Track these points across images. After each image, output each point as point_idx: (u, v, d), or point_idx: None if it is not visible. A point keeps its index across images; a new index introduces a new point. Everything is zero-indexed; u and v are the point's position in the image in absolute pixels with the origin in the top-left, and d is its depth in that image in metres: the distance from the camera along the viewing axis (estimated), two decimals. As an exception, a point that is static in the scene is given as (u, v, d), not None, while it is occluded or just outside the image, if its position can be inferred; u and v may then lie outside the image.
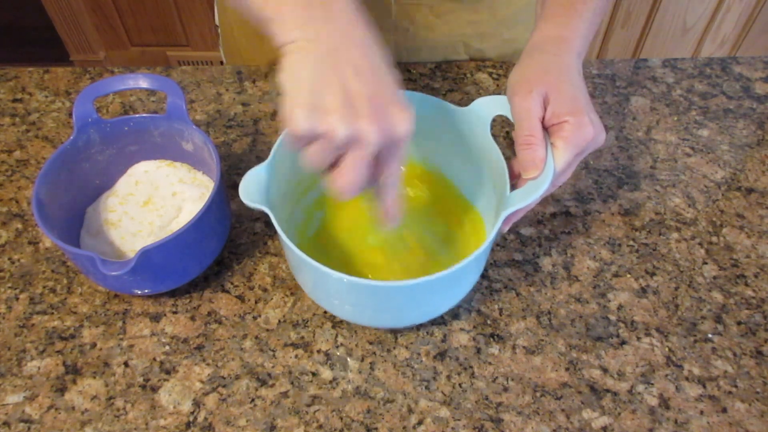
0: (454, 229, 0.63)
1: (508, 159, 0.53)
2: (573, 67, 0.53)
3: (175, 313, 0.59)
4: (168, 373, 0.55)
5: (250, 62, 0.84)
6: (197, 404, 0.53)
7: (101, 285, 0.59)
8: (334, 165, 0.43)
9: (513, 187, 0.52)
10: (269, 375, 0.55)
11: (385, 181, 0.45)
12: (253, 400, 0.54)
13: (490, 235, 0.49)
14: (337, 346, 0.57)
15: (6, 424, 0.52)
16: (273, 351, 0.56)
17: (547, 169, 0.50)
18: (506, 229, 0.54)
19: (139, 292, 0.57)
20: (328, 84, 0.40)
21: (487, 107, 0.56)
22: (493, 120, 0.55)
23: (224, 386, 0.54)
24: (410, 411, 0.53)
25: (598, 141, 0.51)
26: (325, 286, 0.52)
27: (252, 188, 0.49)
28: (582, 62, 0.54)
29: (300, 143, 0.41)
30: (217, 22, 0.89)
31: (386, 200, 0.47)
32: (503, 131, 0.74)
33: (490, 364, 0.56)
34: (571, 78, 0.52)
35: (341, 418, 0.53)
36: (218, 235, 0.60)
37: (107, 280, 0.55)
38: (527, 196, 0.50)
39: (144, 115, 0.61)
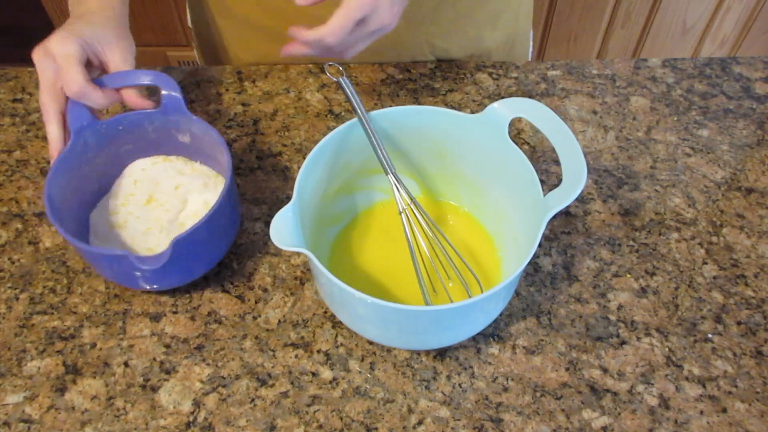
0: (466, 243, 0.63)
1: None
2: None
3: (175, 313, 0.59)
4: (168, 373, 0.55)
5: (228, 62, 0.83)
6: (197, 404, 0.53)
7: (126, 285, 0.59)
8: None
9: None
10: (269, 375, 0.55)
11: None
12: (253, 400, 0.54)
13: (535, 242, 0.47)
14: (337, 346, 0.57)
15: (6, 424, 0.52)
16: (273, 351, 0.56)
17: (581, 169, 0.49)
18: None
19: (147, 287, 0.58)
20: None
21: (501, 112, 0.54)
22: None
23: (224, 386, 0.54)
24: (410, 411, 0.53)
25: (383, 17, 0.52)
26: (380, 316, 0.50)
27: (284, 232, 0.47)
28: None
29: None
30: (189, 24, 0.87)
31: None
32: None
33: (490, 364, 0.56)
34: None
35: (341, 418, 0.53)
36: (237, 214, 0.61)
37: (131, 278, 0.55)
38: (566, 196, 0.48)
39: (138, 111, 0.61)
